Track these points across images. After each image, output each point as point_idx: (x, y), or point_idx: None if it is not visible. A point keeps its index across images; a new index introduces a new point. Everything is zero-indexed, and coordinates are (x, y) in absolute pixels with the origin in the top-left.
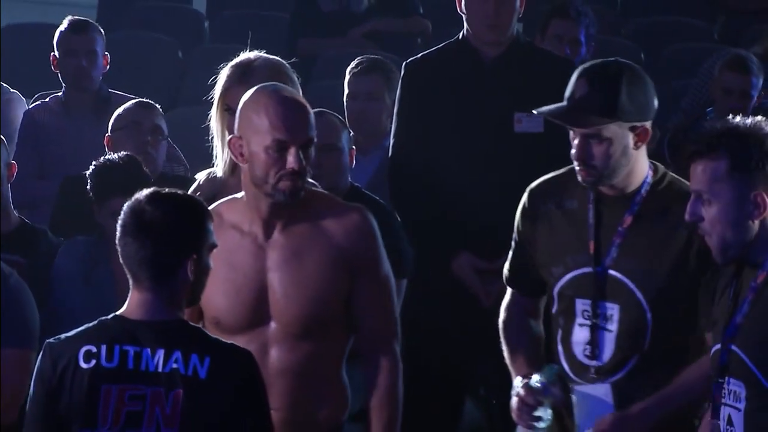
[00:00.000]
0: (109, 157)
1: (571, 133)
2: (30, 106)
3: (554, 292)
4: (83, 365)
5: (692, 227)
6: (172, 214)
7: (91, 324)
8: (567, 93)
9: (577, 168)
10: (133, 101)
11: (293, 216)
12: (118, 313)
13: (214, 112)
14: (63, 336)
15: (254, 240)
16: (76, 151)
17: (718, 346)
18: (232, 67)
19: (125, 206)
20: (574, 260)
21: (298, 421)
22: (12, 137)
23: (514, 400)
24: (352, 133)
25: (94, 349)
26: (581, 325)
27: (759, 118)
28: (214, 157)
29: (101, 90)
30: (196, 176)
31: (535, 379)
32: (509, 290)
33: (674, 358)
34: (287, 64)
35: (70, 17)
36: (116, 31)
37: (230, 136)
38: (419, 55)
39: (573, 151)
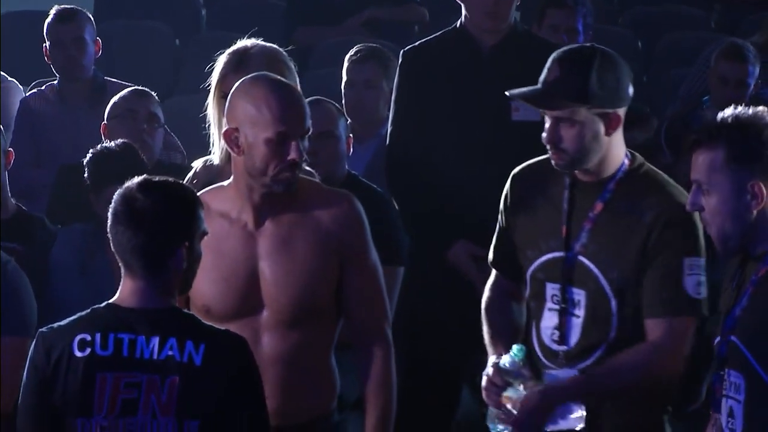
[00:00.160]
0: (106, 145)
1: (545, 117)
2: (26, 94)
3: (527, 275)
4: (78, 354)
5: (654, 218)
6: (163, 202)
7: (84, 313)
8: (541, 77)
9: (549, 152)
10: (129, 89)
11: (283, 204)
12: (111, 301)
13: (211, 100)
14: (56, 325)
15: (244, 228)
16: (72, 139)
17: (719, 337)
18: (229, 54)
19: (116, 194)
20: (547, 244)
21: (288, 409)
22: (9, 125)
23: (484, 380)
24: (349, 121)
25: (89, 338)
26: (551, 309)
27: (761, 108)
28: (211, 145)
29: (96, 78)
30: (193, 164)
31: (505, 360)
32: (493, 272)
33: None
34: (284, 52)
35: (57, 7)
36: (113, 19)
37: (225, 128)
38: (417, 43)
39: (544, 134)
